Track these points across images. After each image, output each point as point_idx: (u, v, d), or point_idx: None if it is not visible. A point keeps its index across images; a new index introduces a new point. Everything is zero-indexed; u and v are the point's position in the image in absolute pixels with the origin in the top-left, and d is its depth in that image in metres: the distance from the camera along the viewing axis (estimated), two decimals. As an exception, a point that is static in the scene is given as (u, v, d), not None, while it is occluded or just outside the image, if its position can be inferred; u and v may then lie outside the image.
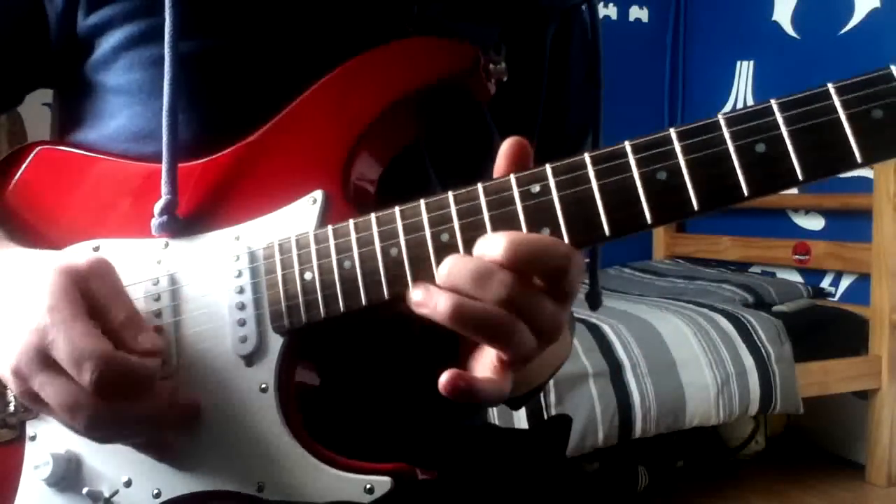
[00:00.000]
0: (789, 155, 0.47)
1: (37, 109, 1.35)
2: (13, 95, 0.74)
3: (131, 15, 0.65)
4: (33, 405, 0.56)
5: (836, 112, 0.46)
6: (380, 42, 0.63)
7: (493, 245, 0.50)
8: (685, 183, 0.49)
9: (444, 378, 0.50)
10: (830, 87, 0.46)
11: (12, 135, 2.37)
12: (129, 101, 0.67)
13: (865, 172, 2.72)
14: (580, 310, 0.89)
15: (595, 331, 2.22)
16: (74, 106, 0.72)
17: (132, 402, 0.54)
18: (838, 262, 2.81)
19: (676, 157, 0.49)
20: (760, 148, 0.47)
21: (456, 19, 0.71)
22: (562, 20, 0.79)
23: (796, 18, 3.04)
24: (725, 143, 0.48)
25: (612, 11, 3.45)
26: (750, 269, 3.17)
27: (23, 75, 0.72)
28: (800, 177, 0.47)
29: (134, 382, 0.54)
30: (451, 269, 0.51)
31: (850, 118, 0.46)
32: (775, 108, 0.47)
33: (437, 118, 0.65)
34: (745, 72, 3.24)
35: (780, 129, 0.47)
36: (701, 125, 0.49)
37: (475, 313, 0.50)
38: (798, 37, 3.04)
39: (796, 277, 2.98)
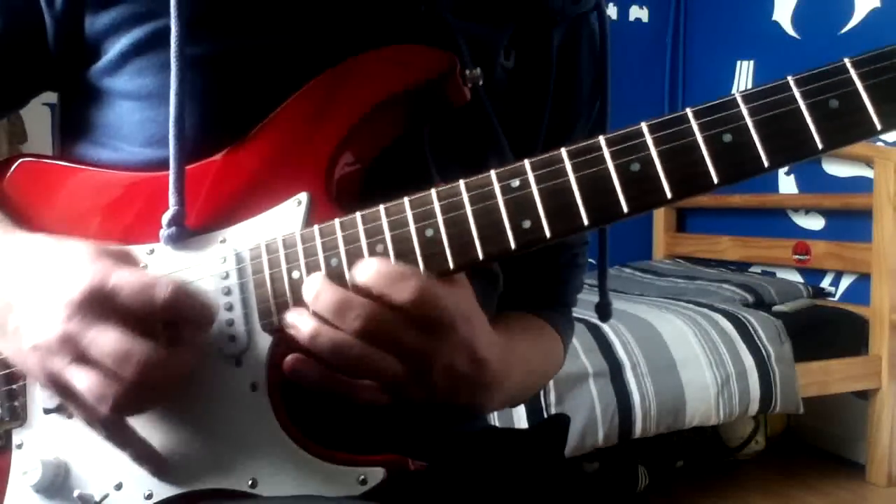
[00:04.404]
0: (754, 143, 0.48)
1: (37, 109, 1.36)
2: (12, 99, 0.74)
3: (138, 18, 0.65)
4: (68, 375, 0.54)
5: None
6: (386, 42, 0.63)
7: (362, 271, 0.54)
8: (658, 173, 0.50)
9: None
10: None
11: (12, 135, 2.38)
12: (140, 106, 0.67)
13: (865, 172, 2.72)
14: (582, 310, 0.90)
15: (595, 331, 2.22)
16: (81, 110, 0.71)
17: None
18: (838, 262, 2.80)
19: (648, 149, 0.50)
20: (727, 138, 0.48)
21: (464, 19, 0.71)
22: (570, 28, 0.79)
23: (796, 18, 3.04)
24: (694, 134, 0.49)
25: (612, 11, 3.44)
26: (750, 269, 3.16)
27: (21, 79, 0.72)
28: (765, 163, 0.48)
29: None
30: (315, 295, 0.55)
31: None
32: (739, 100, 0.49)
33: (418, 119, 0.65)
34: (745, 71, 3.24)
35: (744, 119, 0.48)
36: (670, 118, 0.50)
37: (332, 343, 0.53)
38: (798, 37, 3.04)
39: (796, 277, 2.98)
